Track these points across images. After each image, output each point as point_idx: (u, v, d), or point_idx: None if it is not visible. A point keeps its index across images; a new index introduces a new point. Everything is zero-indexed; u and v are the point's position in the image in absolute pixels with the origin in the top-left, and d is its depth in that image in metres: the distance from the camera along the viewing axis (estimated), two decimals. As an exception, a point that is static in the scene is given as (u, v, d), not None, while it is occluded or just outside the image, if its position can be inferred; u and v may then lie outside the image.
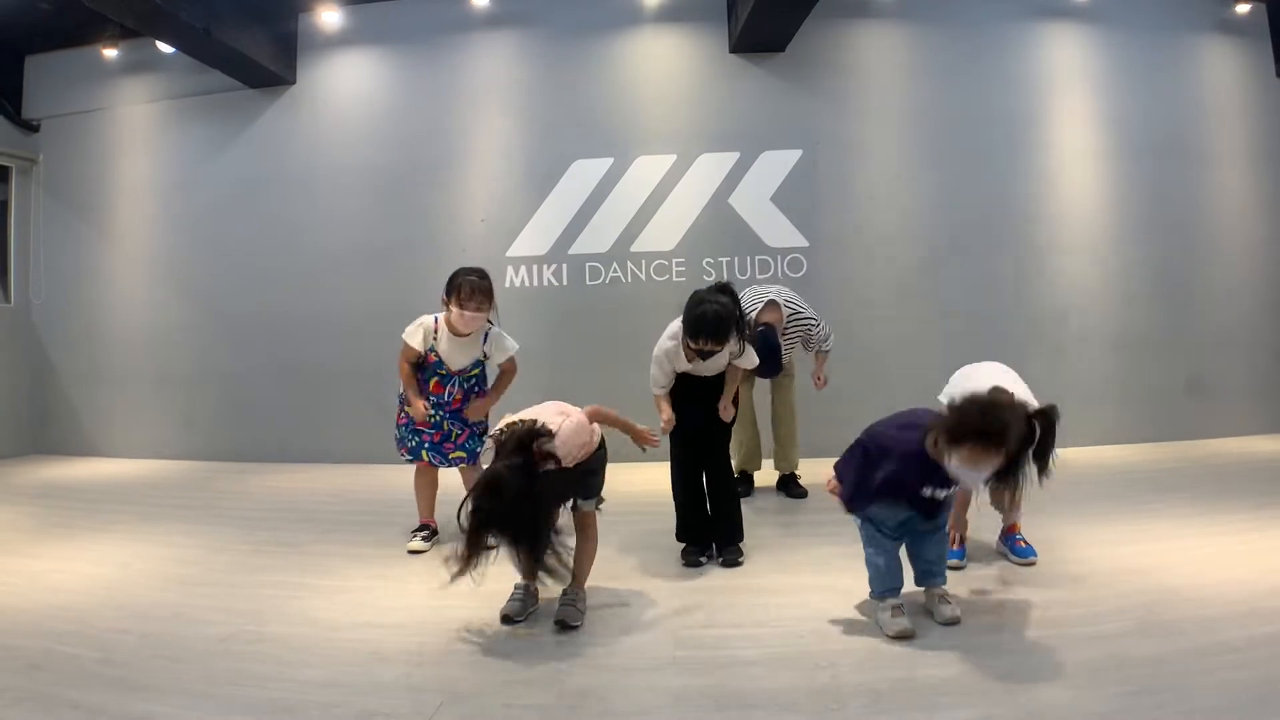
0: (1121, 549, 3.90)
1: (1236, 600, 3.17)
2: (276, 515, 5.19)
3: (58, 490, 6.14)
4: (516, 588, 3.34)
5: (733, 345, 3.88)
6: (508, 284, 6.77)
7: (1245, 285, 7.01)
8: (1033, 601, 3.28)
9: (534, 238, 6.85)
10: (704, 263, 6.73)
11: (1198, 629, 2.92)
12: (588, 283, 6.78)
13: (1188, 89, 7.05)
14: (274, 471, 6.64)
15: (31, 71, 7.89)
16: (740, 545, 4.02)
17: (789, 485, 5.38)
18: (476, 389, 4.44)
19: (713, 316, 3.69)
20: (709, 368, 3.96)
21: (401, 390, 4.41)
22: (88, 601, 3.59)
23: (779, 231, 6.73)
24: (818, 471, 5.45)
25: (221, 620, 3.33)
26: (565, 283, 6.80)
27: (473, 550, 2.85)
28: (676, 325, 3.92)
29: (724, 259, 6.72)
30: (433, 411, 4.32)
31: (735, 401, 4.18)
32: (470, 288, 4.17)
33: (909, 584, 3.20)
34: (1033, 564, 3.73)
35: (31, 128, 7.81)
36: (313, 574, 3.94)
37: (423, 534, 4.34)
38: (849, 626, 3.09)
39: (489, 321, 4.34)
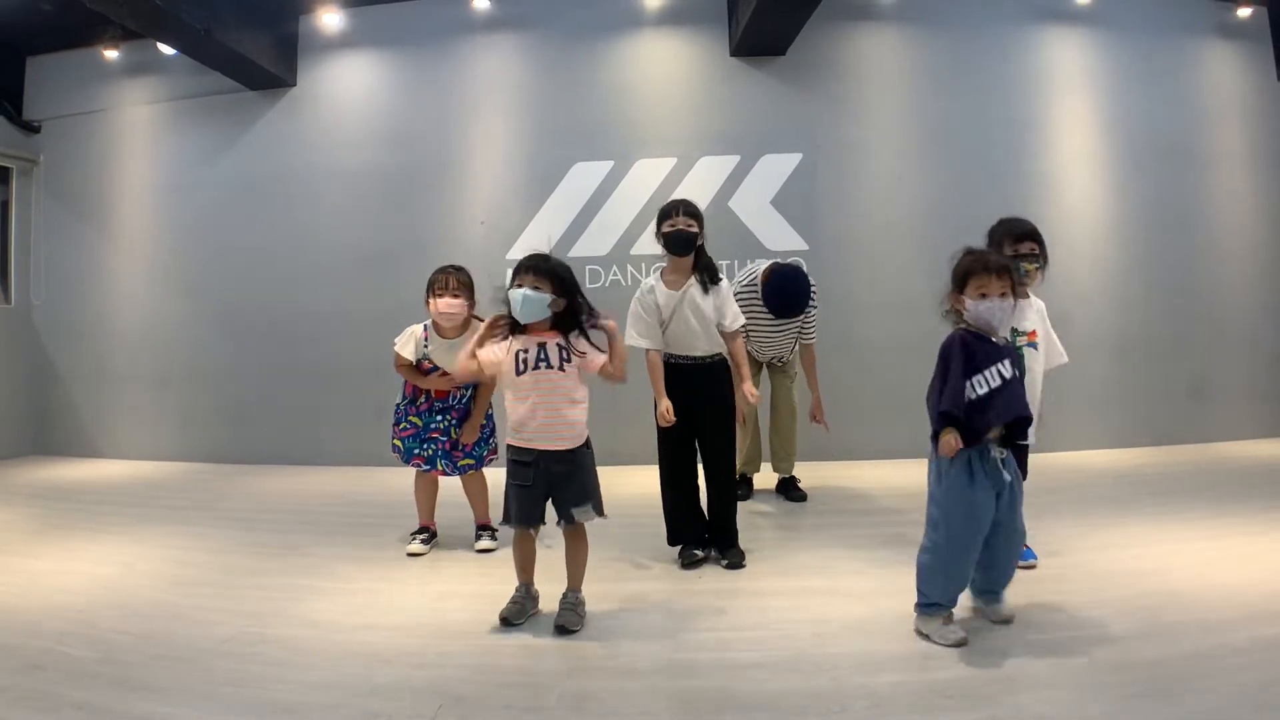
0: (1124, 552, 3.90)
1: (1239, 603, 3.17)
2: (277, 517, 5.18)
3: (58, 491, 6.13)
4: (517, 590, 3.33)
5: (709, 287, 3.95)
6: (506, 285, 6.75)
7: (1247, 288, 7.02)
8: (1034, 604, 3.27)
9: (534, 240, 6.81)
10: (704, 265, 6.72)
11: (1201, 632, 2.92)
12: (588, 285, 6.71)
13: (1188, 92, 7.06)
14: (274, 473, 6.63)
15: (32, 72, 7.89)
16: (741, 548, 4.01)
17: (788, 488, 5.36)
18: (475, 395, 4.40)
19: (680, 199, 4.02)
20: (695, 312, 3.90)
21: (400, 400, 4.41)
22: (88, 602, 3.59)
23: (779, 234, 6.72)
24: (817, 475, 5.48)
25: (222, 621, 3.33)
26: (565, 285, 6.78)
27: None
28: (650, 279, 4.04)
29: (724, 262, 6.67)
30: (440, 418, 4.32)
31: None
32: (445, 278, 4.23)
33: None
34: (1033, 567, 3.72)
35: (32, 129, 7.81)
36: (313, 576, 3.94)
37: (421, 536, 4.34)
38: (850, 629, 3.09)
39: (475, 319, 4.30)
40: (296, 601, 3.57)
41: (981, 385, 2.97)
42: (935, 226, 6.68)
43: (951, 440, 2.90)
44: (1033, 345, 3.67)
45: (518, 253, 6.82)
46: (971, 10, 6.89)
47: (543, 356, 3.18)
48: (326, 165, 7.18)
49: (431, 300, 4.25)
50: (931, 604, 3.01)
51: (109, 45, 7.39)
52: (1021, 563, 3.71)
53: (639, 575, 3.85)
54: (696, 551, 3.97)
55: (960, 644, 2.90)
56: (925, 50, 6.90)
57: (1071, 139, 6.90)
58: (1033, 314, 3.72)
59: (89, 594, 3.70)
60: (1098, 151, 6.92)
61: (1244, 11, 7.06)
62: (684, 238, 3.90)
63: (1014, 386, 3.00)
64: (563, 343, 3.20)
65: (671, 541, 4.06)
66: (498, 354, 3.20)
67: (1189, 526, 4.33)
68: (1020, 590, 3.45)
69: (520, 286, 3.18)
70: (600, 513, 3.27)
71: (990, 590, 3.15)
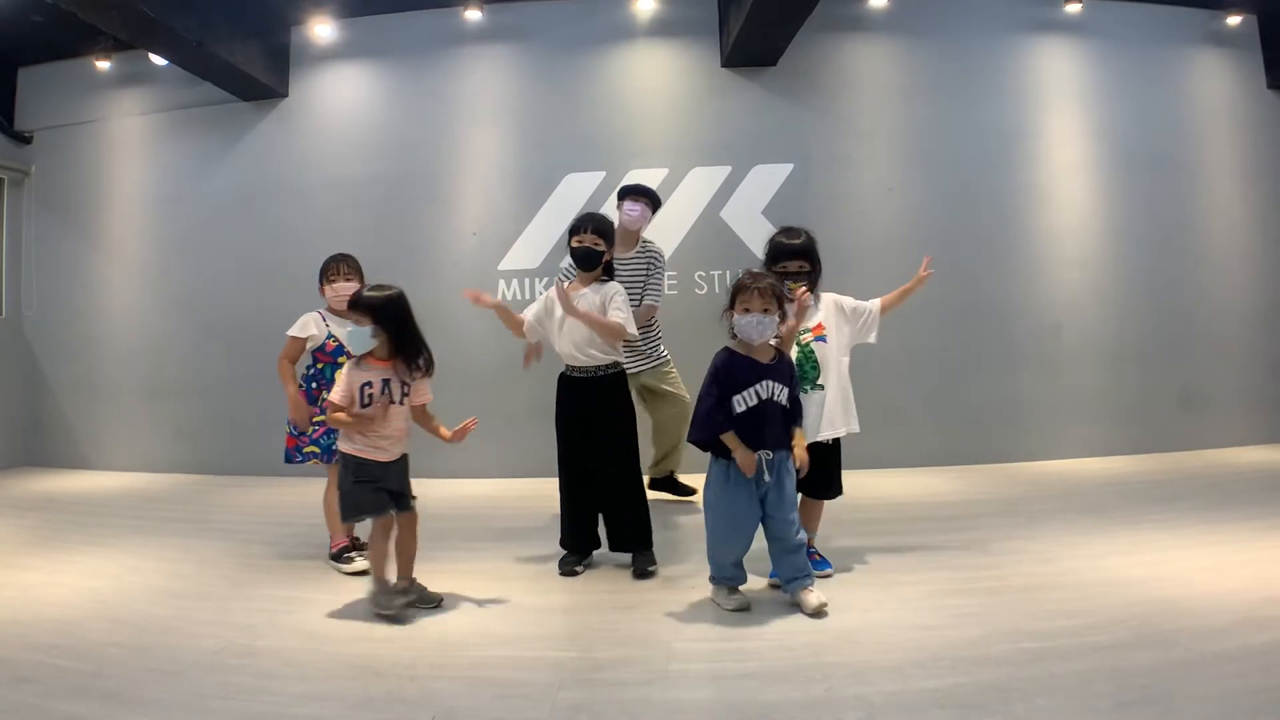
0: (1116, 560, 3.91)
1: (1232, 610, 3.18)
2: (268, 529, 5.17)
3: (50, 502, 6.10)
4: (395, 585, 3.51)
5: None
6: (499, 297, 6.73)
7: (1237, 297, 7.07)
8: (1026, 612, 3.28)
9: (526, 251, 6.85)
10: (696, 276, 6.75)
11: (1193, 639, 2.93)
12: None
13: (1179, 101, 7.12)
14: (265, 485, 6.59)
15: (25, 83, 7.89)
16: (652, 552, 4.00)
17: (673, 485, 5.40)
18: None
19: (591, 214, 4.17)
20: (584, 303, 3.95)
21: (290, 421, 4.51)
22: (79, 614, 3.56)
23: (772, 244, 6.73)
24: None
25: (214, 634, 3.31)
26: (558, 295, 6.77)
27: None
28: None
29: (716, 272, 6.73)
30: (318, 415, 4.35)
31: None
32: (337, 265, 4.46)
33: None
34: (829, 576, 3.77)
35: (24, 139, 7.80)
36: (305, 588, 3.92)
37: (349, 553, 4.22)
38: (843, 639, 3.08)
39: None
40: (288, 613, 3.55)
41: (741, 404, 3.34)
42: (926, 237, 6.69)
43: (743, 456, 3.32)
44: (820, 339, 3.92)
45: (510, 264, 6.85)
46: (962, 21, 6.93)
47: (385, 391, 3.56)
48: (318, 176, 7.18)
49: (326, 285, 4.46)
50: (714, 577, 3.51)
51: (101, 56, 7.41)
52: (817, 573, 3.70)
53: (631, 586, 3.83)
54: (577, 567, 4.01)
55: (740, 609, 3.37)
56: (916, 61, 6.94)
57: (1062, 148, 6.94)
58: (817, 312, 3.92)
59: (79, 606, 3.67)
60: (1089, 161, 6.96)
61: (1233, 20, 7.12)
62: (589, 254, 4.04)
63: (767, 409, 3.36)
64: (403, 378, 3.60)
65: (562, 544, 4.10)
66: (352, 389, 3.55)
67: (1181, 534, 4.35)
68: (1011, 599, 3.46)
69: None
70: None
71: (790, 578, 3.43)
